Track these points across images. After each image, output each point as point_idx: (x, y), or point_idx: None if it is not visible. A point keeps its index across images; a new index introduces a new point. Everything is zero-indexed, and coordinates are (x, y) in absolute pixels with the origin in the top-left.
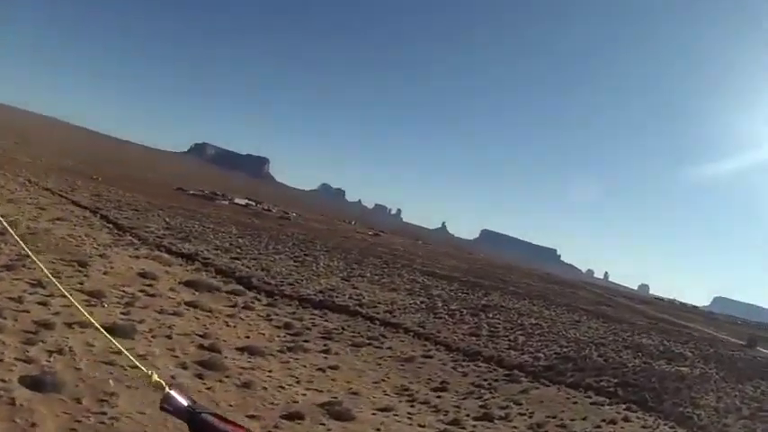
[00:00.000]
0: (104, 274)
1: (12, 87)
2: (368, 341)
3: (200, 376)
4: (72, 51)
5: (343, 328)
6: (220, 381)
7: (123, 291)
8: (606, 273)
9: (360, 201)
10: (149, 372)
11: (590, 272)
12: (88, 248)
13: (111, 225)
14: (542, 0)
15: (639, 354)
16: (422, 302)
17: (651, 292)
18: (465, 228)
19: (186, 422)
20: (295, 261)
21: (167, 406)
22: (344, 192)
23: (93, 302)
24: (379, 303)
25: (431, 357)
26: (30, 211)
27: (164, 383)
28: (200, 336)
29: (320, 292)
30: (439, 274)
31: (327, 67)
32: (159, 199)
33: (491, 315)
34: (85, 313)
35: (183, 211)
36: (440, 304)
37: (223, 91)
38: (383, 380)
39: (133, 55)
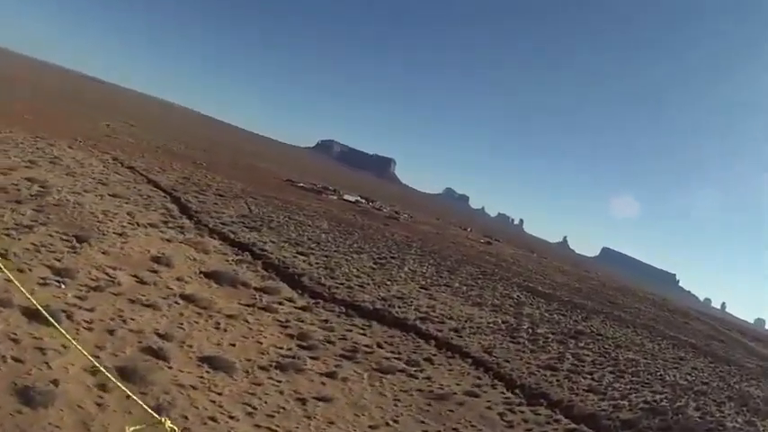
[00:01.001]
0: (103, 253)
1: (144, 73)
2: (402, 366)
3: (102, 386)
4: (214, 46)
5: (379, 346)
6: (128, 397)
7: (107, 273)
8: (723, 303)
9: (483, 208)
10: (162, 418)
11: (707, 300)
12: (114, 225)
13: (174, 207)
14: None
15: (744, 408)
16: (504, 322)
17: (767, 326)
18: (586, 244)
19: None
20: (375, 263)
21: None
22: (468, 198)
23: (49, 281)
24: (449, 319)
25: (476, 396)
26: (84, 185)
27: (177, 429)
28: (160, 336)
29: (382, 299)
30: (540, 290)
31: (459, 72)
32: (260, 188)
33: (582, 344)
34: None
35: (278, 202)
36: (525, 326)
37: (354, 90)
38: (387, 424)
39: (271, 51)
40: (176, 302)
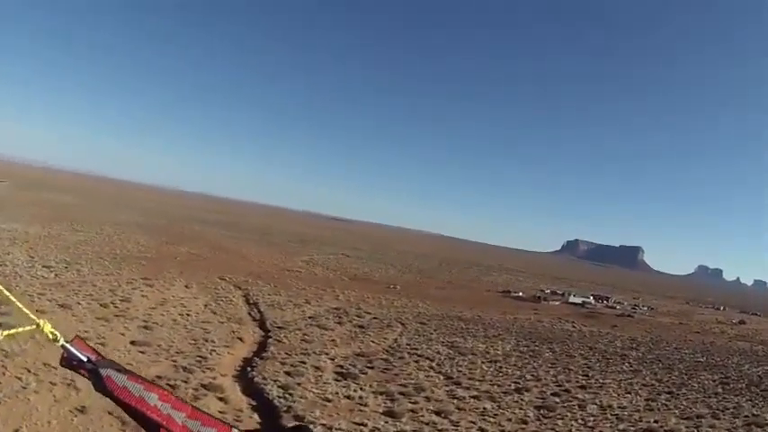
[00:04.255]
0: None
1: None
2: None
3: None
4: (432, 169)
5: None
6: None
7: None
8: None
9: (738, 279)
10: (39, 321)
11: None
12: (14, 384)
13: (235, 353)
14: None
15: None
16: None
17: None
18: None
19: (89, 379)
20: (541, 406)
21: (70, 358)
22: (722, 271)
23: None
24: None
25: None
26: (105, 331)
27: (58, 335)
28: None
29: None
30: None
31: (697, 150)
32: (456, 306)
33: None
34: None
35: (460, 323)
36: None
37: (593, 187)
38: None
39: (513, 162)
40: None
